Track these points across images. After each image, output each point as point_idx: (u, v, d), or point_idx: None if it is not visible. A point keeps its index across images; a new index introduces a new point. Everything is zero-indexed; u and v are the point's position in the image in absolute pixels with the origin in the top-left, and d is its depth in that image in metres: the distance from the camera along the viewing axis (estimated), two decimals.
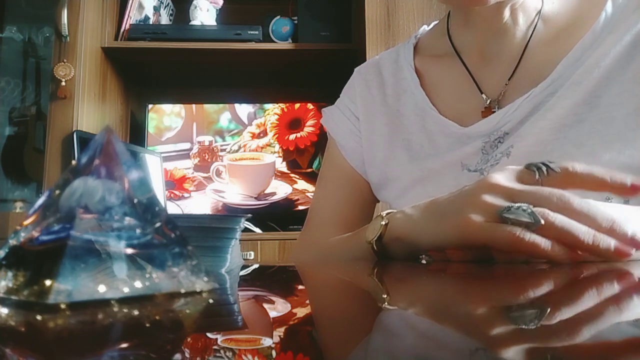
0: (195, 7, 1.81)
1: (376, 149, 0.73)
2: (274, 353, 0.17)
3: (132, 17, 1.77)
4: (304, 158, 1.89)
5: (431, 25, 0.78)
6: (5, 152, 2.11)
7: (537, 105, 0.60)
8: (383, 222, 0.50)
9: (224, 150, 1.90)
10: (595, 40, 0.58)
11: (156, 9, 1.87)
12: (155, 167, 1.81)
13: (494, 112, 0.63)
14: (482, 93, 0.65)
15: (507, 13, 0.63)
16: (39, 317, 0.20)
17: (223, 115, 1.94)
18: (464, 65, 0.68)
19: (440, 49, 0.71)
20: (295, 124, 1.92)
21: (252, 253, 1.59)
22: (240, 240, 0.44)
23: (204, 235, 0.40)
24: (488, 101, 0.64)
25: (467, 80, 0.67)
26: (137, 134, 1.97)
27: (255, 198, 1.88)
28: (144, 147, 1.88)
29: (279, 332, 0.20)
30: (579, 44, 0.59)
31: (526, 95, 0.60)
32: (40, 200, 0.25)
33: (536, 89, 0.60)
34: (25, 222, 0.25)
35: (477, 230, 0.41)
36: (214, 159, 1.90)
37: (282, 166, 1.89)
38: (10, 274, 0.23)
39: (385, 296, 0.29)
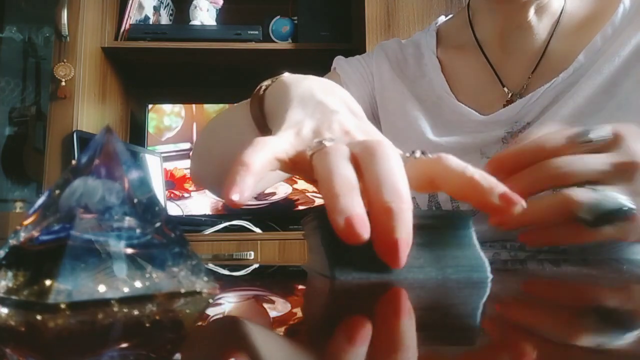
0: (195, 7, 1.81)
1: (393, 117, 0.72)
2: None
3: (132, 17, 1.77)
4: None
5: (449, 16, 0.78)
6: (5, 152, 2.11)
7: (558, 95, 0.61)
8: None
9: None
10: (614, 31, 0.60)
11: (156, 9, 1.87)
12: (155, 167, 1.81)
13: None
14: (503, 86, 0.66)
15: (532, 11, 0.64)
16: (39, 317, 0.20)
17: None
18: (486, 58, 0.68)
19: (462, 39, 0.71)
20: None
21: (252, 253, 1.59)
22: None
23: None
24: (510, 94, 0.65)
25: (488, 72, 0.68)
26: (137, 134, 1.97)
27: (255, 198, 1.88)
28: (144, 147, 1.88)
29: (279, 332, 0.20)
30: (599, 34, 0.61)
31: (548, 85, 0.61)
32: (40, 200, 0.25)
33: (558, 79, 0.61)
34: (25, 222, 0.25)
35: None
36: None
37: None
38: (10, 274, 0.23)
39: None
